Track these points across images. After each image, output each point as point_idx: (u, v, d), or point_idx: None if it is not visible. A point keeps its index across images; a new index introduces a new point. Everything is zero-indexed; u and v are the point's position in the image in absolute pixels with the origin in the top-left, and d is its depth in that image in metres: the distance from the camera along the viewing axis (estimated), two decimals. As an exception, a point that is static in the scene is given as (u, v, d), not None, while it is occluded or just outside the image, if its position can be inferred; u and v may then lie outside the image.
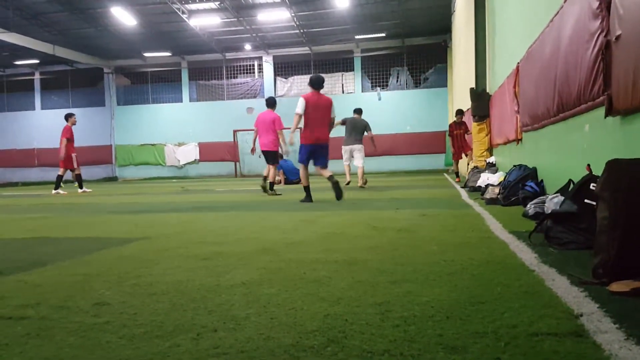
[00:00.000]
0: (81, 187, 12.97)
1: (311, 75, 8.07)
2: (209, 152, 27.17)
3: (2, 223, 5.72)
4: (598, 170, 2.51)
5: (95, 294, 2.21)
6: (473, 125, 11.60)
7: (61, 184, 12.84)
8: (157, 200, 8.88)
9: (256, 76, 27.23)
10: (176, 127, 27.46)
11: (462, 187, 9.48)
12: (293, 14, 21.19)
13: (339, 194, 7.28)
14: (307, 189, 7.64)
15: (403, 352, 1.43)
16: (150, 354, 1.48)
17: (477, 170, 9.45)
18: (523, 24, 6.90)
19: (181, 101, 27.84)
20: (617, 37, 3.15)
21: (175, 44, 25.19)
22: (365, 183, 11.80)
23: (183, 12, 20.56)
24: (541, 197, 4.47)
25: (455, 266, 2.55)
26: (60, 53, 23.92)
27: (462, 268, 2.50)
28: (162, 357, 1.45)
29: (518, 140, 7.45)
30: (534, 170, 6.10)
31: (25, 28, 21.37)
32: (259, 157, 10.72)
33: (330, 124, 7.88)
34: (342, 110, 24.72)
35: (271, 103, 9.94)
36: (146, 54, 26.53)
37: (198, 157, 27.47)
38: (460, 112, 12.61)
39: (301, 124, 7.51)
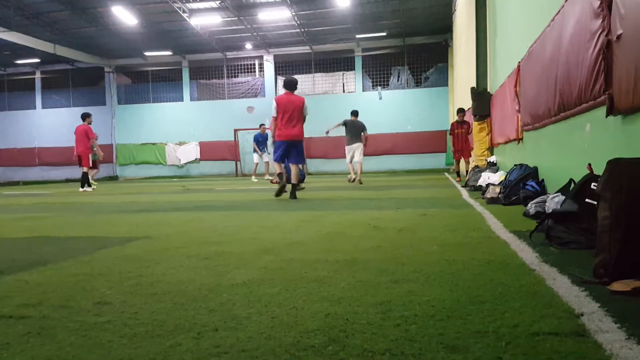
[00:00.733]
0: (82, 186, 13.24)
1: (285, 77, 8.37)
2: (209, 151, 27.17)
3: (3, 222, 5.73)
4: (599, 170, 2.51)
5: (96, 294, 2.21)
6: (474, 125, 11.61)
7: (89, 180, 13.42)
8: (158, 200, 8.88)
9: (257, 75, 27.23)
10: (177, 126, 27.47)
11: (462, 187, 9.48)
12: (294, 13, 21.19)
13: (278, 193, 7.97)
14: (280, 175, 8.13)
15: (404, 351, 1.43)
16: (152, 353, 1.48)
17: (477, 170, 9.45)
18: (524, 23, 6.90)
19: (182, 100, 27.85)
20: (618, 37, 3.15)
21: (176, 43, 25.19)
22: (359, 182, 12.42)
23: (184, 11, 20.56)
24: (542, 197, 4.47)
25: (456, 266, 2.55)
26: (61, 52, 23.92)
27: (463, 268, 2.50)
28: (164, 357, 1.45)
29: (519, 139, 7.45)
30: (535, 169, 6.10)
31: (26, 27, 21.38)
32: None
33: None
34: (342, 110, 24.88)
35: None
36: (147, 53, 26.55)
37: (199, 156, 27.47)
38: (461, 111, 12.60)
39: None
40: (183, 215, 5.90)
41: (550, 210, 3.40)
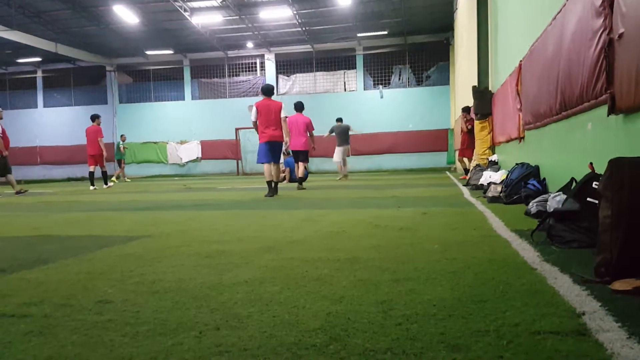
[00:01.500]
0: (106, 183, 13.88)
1: (262, 85, 9.16)
2: (211, 150, 27.17)
3: (5, 221, 5.74)
4: (600, 169, 2.51)
5: (98, 292, 2.21)
6: (475, 124, 11.60)
7: (109, 177, 14.16)
8: (159, 198, 8.89)
9: (258, 74, 27.21)
10: (178, 125, 27.48)
11: (464, 185, 9.48)
12: (295, 12, 21.17)
13: (271, 194, 8.42)
14: (270, 183, 8.55)
15: (405, 350, 1.43)
16: (153, 351, 1.49)
17: (479, 169, 9.45)
18: (525, 21, 6.89)
19: (183, 99, 27.85)
20: (620, 35, 3.14)
21: (177, 42, 25.19)
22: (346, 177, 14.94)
23: (185, 10, 20.56)
24: (543, 196, 4.46)
25: (458, 264, 2.55)
26: (63, 51, 23.93)
27: (464, 266, 2.50)
28: (165, 355, 1.46)
29: (520, 138, 7.44)
30: (537, 168, 6.10)
31: (27, 26, 21.39)
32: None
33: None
34: (343, 108, 24.95)
35: (300, 107, 11.20)
36: (148, 52, 26.55)
37: (200, 155, 27.47)
38: (466, 110, 12.65)
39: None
40: (184, 213, 5.90)
41: (552, 209, 3.40)
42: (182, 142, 27.62)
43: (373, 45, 25.52)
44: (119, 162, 19.90)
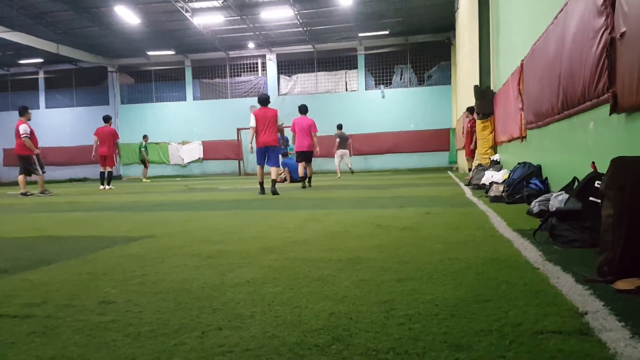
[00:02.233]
0: (109, 184, 14.12)
1: (259, 95, 9.83)
2: (212, 150, 27.18)
3: (7, 221, 5.75)
4: (603, 168, 2.51)
5: (100, 293, 2.22)
6: (477, 123, 11.59)
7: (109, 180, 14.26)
8: (161, 199, 8.90)
9: (259, 74, 27.22)
10: (180, 126, 27.49)
11: (466, 185, 9.47)
12: (296, 12, 21.18)
13: (273, 191, 8.98)
14: (261, 184, 9.38)
15: (408, 350, 1.43)
16: (156, 352, 1.49)
17: (481, 168, 9.44)
18: (527, 20, 6.88)
19: (185, 100, 27.87)
20: (622, 34, 3.14)
21: (178, 42, 25.21)
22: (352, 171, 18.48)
23: (186, 11, 20.57)
24: (546, 195, 4.46)
25: (460, 264, 2.55)
26: (64, 52, 23.96)
27: (466, 266, 2.50)
28: (168, 356, 1.46)
29: (522, 137, 7.43)
30: (539, 167, 6.09)
31: (29, 27, 21.42)
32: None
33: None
34: (345, 109, 24.95)
35: (304, 109, 11.57)
36: (150, 53, 26.57)
37: (202, 156, 27.48)
38: (470, 110, 12.65)
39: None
40: (186, 214, 5.91)
41: (554, 209, 3.40)
42: (183, 143, 27.63)
43: (374, 45, 25.51)
44: (144, 163, 20.30)
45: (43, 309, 1.98)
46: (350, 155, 18.70)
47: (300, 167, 11.82)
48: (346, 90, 26.22)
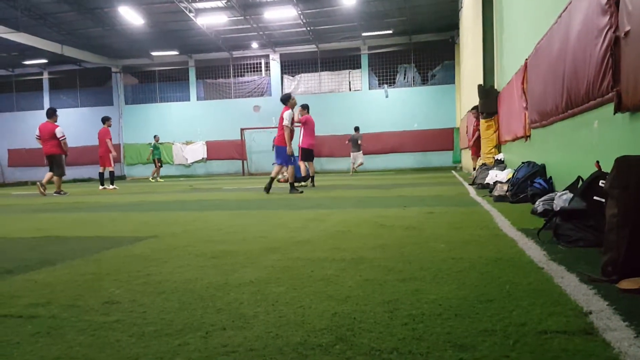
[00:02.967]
0: (111, 184, 14.45)
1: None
2: (216, 150, 27.21)
3: (12, 222, 5.77)
4: (607, 167, 2.50)
5: (105, 293, 2.22)
6: (481, 122, 11.57)
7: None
8: (165, 199, 8.91)
9: (263, 74, 27.24)
10: (184, 126, 27.54)
11: (470, 185, 9.45)
12: (300, 12, 21.18)
13: (267, 189, 9.40)
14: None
15: (411, 350, 1.43)
16: (160, 352, 1.49)
17: (485, 168, 9.42)
18: (531, 19, 6.86)
19: (189, 100, 27.91)
20: (626, 33, 3.13)
21: (182, 42, 25.25)
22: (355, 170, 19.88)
23: (190, 11, 20.60)
24: (550, 194, 4.45)
25: (464, 264, 2.54)
26: (69, 53, 24.04)
27: (470, 266, 2.50)
28: (172, 356, 1.46)
29: (526, 137, 7.42)
30: (543, 167, 6.08)
31: (33, 28, 21.49)
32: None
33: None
34: (348, 108, 24.96)
35: (308, 108, 11.78)
36: (153, 53, 26.62)
37: (206, 156, 27.52)
38: (476, 109, 12.64)
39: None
40: (190, 214, 5.92)
41: (558, 208, 3.39)
42: (187, 143, 27.67)
43: (378, 45, 25.49)
44: (154, 162, 20.83)
45: (47, 309, 1.99)
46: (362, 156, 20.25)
47: (303, 166, 11.83)
48: (350, 90, 26.21)
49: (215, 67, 27.59)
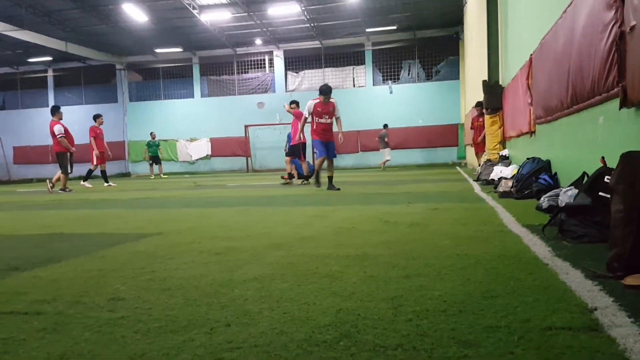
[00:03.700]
0: (106, 181, 14.47)
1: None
2: (220, 147, 27.24)
3: (17, 219, 5.80)
4: (612, 163, 2.49)
5: (110, 289, 2.23)
6: (486, 118, 11.54)
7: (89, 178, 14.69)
8: (169, 196, 8.93)
9: (267, 71, 27.23)
10: (188, 123, 27.57)
11: (474, 181, 9.43)
12: (303, 8, 21.14)
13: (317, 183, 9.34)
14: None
15: (416, 346, 1.43)
16: (165, 348, 1.50)
17: (490, 163, 9.40)
18: (536, 14, 6.83)
19: (193, 97, 27.93)
20: (632, 28, 3.11)
21: (186, 39, 25.25)
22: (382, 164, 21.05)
23: (194, 8, 20.60)
24: (555, 190, 4.43)
25: (468, 260, 2.54)
26: (73, 50, 24.08)
27: (474, 262, 2.49)
28: (177, 352, 1.47)
29: (531, 132, 7.39)
30: (548, 163, 6.05)
31: (38, 25, 21.53)
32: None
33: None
34: (352, 104, 24.95)
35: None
36: (157, 50, 26.63)
37: (210, 153, 27.55)
38: (480, 104, 12.60)
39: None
40: (194, 211, 5.93)
41: (563, 204, 3.38)
42: (191, 140, 27.71)
43: (382, 41, 25.43)
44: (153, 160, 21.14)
45: (53, 305, 2.00)
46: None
47: (304, 164, 11.65)
48: (354, 86, 26.17)
49: (219, 64, 27.59)
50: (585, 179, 3.58)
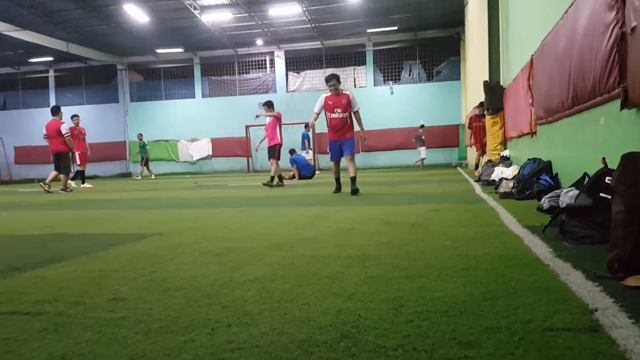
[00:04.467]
0: (83, 182, 14.33)
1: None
2: (221, 147, 27.26)
3: (19, 219, 5.80)
4: (613, 164, 2.49)
5: (111, 290, 2.23)
6: (487, 119, 11.54)
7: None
8: (170, 196, 8.94)
9: (268, 71, 27.25)
10: (189, 123, 27.59)
11: (475, 181, 9.43)
12: (304, 9, 21.16)
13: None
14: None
15: (416, 347, 1.43)
16: (166, 348, 1.50)
17: (491, 164, 9.39)
18: (537, 15, 6.83)
19: (194, 97, 27.96)
20: (633, 29, 3.11)
21: (187, 40, 25.28)
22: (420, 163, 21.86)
23: (195, 8, 20.62)
24: (556, 191, 4.43)
25: (469, 261, 2.54)
26: (74, 50, 24.11)
27: (475, 263, 2.49)
28: (178, 352, 1.47)
29: (532, 133, 7.39)
30: (549, 163, 6.05)
31: (39, 26, 21.57)
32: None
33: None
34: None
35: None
36: (159, 51, 26.67)
37: (211, 153, 27.58)
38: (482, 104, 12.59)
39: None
40: (195, 211, 5.93)
41: (564, 205, 3.38)
42: (192, 140, 27.73)
43: (383, 41, 25.44)
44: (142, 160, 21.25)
45: (54, 306, 2.00)
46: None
47: (274, 165, 11.21)
48: (355, 86, 26.18)
49: (220, 64, 27.62)
50: (586, 179, 3.58)
